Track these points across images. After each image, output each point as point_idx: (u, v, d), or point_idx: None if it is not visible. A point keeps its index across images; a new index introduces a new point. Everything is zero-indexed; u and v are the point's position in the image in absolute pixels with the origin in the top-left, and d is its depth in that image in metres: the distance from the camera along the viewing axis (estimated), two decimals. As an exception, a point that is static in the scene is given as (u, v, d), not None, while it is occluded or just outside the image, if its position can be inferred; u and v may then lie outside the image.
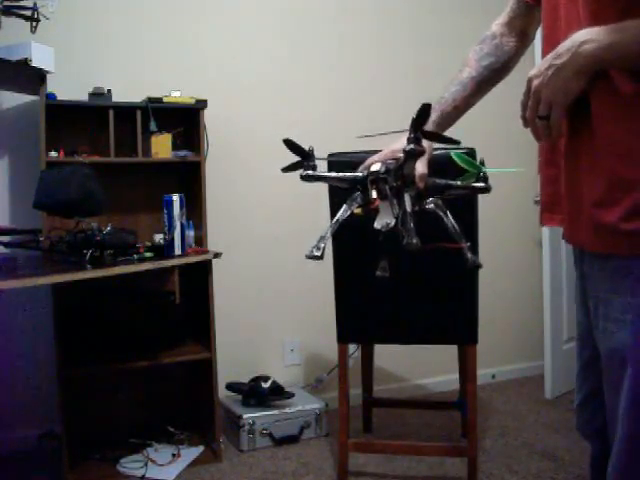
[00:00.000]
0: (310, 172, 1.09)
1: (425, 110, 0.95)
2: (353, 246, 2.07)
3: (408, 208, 1.00)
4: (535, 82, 0.92)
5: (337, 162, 2.16)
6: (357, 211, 1.06)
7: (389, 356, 3.09)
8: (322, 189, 1.97)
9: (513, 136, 3.32)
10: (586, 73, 0.89)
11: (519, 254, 3.51)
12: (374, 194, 1.03)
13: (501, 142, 3.30)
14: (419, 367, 3.29)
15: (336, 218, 1.04)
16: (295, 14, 3.03)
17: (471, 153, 2.07)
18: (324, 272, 2.28)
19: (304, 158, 1.10)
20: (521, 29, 1.23)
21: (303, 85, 3.04)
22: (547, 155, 1.07)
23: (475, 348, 2.19)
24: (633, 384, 0.90)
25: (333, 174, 1.12)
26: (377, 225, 1.02)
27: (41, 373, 2.54)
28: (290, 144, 1.09)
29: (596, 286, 0.99)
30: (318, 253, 1.00)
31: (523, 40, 1.24)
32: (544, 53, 1.07)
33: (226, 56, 2.90)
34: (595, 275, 0.99)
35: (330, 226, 1.03)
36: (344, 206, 1.06)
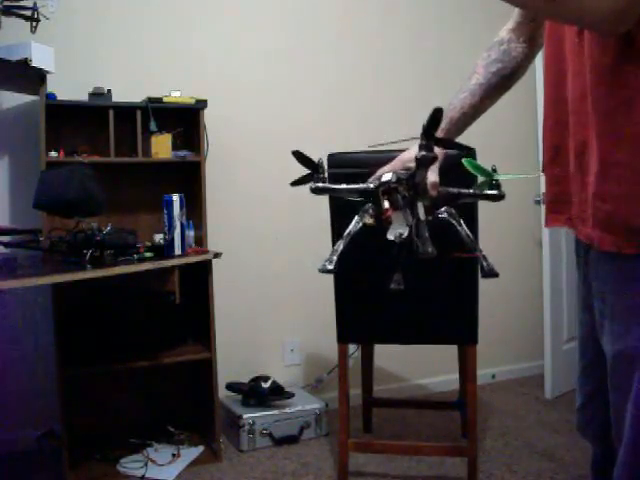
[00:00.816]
0: (320, 185, 1.08)
1: (436, 115, 0.93)
2: (353, 246, 2.07)
3: (422, 217, 0.99)
4: None
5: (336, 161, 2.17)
6: (369, 222, 1.05)
7: (389, 356, 3.08)
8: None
9: (513, 136, 3.33)
10: None
11: (519, 254, 3.51)
12: (386, 204, 1.01)
13: (501, 142, 3.31)
14: (419, 367, 3.29)
15: (348, 231, 1.03)
16: (295, 14, 3.03)
17: (471, 154, 2.07)
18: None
19: (313, 170, 1.08)
20: (529, 35, 1.22)
21: (303, 85, 3.04)
22: (551, 154, 1.06)
23: (475, 348, 2.19)
24: None
25: (343, 186, 1.10)
26: (390, 236, 1.00)
27: (41, 373, 2.54)
28: (299, 156, 1.07)
29: (602, 287, 0.98)
30: (331, 267, 1.00)
31: (531, 46, 1.23)
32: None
33: (226, 56, 2.90)
34: (601, 275, 0.98)
35: (342, 239, 1.03)
36: (356, 218, 1.05)
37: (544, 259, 3.12)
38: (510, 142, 3.32)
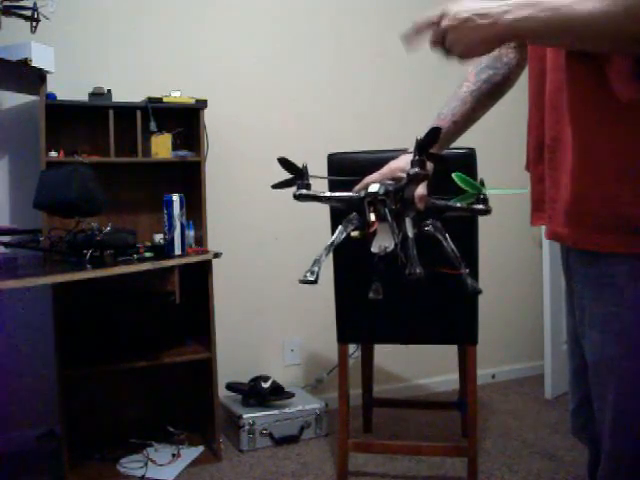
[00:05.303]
0: (304, 191, 1.04)
1: (434, 134, 0.91)
2: (352, 246, 2.07)
3: (410, 234, 0.96)
4: (447, 22, 0.92)
5: (337, 160, 2.17)
6: (355, 234, 1.02)
7: (389, 356, 3.09)
8: (323, 188, 1.96)
9: (513, 136, 3.33)
10: (496, 43, 0.91)
11: (519, 254, 3.51)
12: (372, 217, 0.98)
13: (501, 142, 3.31)
14: (419, 367, 3.29)
15: (331, 241, 1.00)
16: (295, 14, 3.03)
17: (471, 154, 2.07)
18: (324, 272, 2.27)
19: (297, 176, 1.05)
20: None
21: (303, 85, 3.04)
22: (535, 153, 1.05)
23: (475, 348, 2.19)
24: (618, 396, 0.89)
25: (328, 194, 1.07)
26: (374, 249, 0.97)
27: (41, 373, 2.54)
28: (285, 163, 1.04)
29: (581, 293, 0.97)
30: (312, 278, 0.96)
31: (523, 51, 1.20)
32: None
33: (226, 56, 2.90)
34: (580, 281, 0.97)
35: (324, 249, 0.99)
36: (339, 227, 1.02)
37: (544, 259, 3.12)
38: (510, 141, 3.31)
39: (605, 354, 0.90)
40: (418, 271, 0.93)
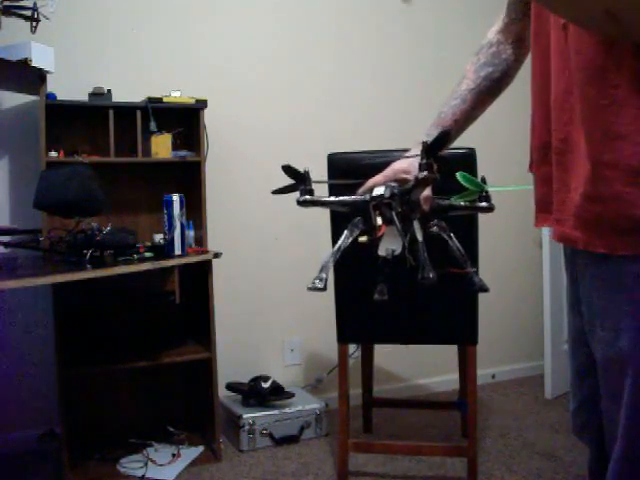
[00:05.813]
0: (308, 197, 1.03)
1: (443, 137, 0.91)
2: (353, 246, 2.07)
3: (419, 237, 0.95)
4: None
5: (337, 160, 2.17)
6: (362, 239, 1.00)
7: (389, 356, 3.08)
8: (322, 190, 1.96)
9: (513, 136, 3.33)
10: None
11: (519, 254, 3.51)
12: (379, 220, 0.97)
13: (501, 142, 3.31)
14: (419, 367, 3.29)
15: (337, 246, 0.99)
16: (295, 14, 3.03)
17: (471, 153, 2.07)
18: (324, 272, 2.28)
19: (300, 181, 1.03)
20: (518, 35, 1.18)
21: (303, 85, 3.04)
22: (539, 153, 1.05)
23: (475, 348, 2.19)
24: (632, 395, 0.88)
25: (332, 198, 1.06)
26: (381, 252, 0.97)
27: (41, 373, 2.54)
28: (289, 170, 1.03)
29: (590, 291, 0.96)
30: (321, 285, 0.94)
31: (521, 46, 1.19)
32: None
33: (226, 56, 2.90)
34: (588, 279, 0.96)
35: (331, 254, 0.98)
36: (345, 232, 1.01)
37: (544, 259, 3.12)
38: (510, 141, 3.31)
39: (618, 353, 0.89)
40: (431, 276, 0.93)
